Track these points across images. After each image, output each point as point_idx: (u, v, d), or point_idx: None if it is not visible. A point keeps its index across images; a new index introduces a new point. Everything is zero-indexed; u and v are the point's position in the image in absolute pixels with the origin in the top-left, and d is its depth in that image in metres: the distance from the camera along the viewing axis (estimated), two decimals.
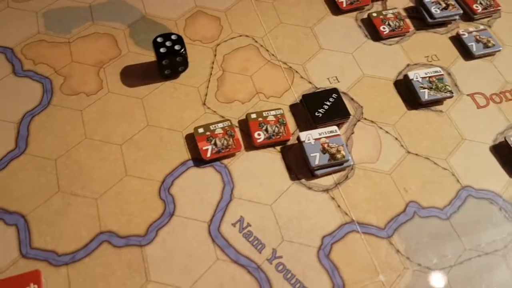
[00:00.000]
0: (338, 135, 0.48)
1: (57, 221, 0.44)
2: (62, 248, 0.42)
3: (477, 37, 0.59)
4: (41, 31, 0.57)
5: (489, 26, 0.62)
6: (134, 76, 0.53)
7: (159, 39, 0.51)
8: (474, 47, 0.58)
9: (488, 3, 0.63)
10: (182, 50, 0.51)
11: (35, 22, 0.57)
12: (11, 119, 0.49)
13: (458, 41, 0.59)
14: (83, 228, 0.43)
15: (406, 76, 0.53)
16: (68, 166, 0.47)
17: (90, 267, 0.41)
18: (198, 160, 0.48)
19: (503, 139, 0.51)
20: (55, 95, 0.51)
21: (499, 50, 0.59)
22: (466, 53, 0.58)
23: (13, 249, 0.42)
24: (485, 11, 0.62)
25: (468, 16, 0.62)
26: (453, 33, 0.60)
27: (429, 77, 0.53)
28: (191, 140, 0.49)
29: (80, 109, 0.50)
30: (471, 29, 0.60)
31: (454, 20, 0.61)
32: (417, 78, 0.53)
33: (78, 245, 0.42)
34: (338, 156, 0.47)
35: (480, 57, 0.58)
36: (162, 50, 0.51)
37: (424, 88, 0.52)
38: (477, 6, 0.62)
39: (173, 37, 0.52)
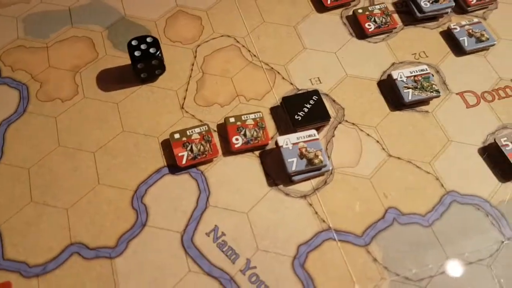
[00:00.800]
0: (317, 139, 0.47)
1: (29, 231, 0.43)
2: (33, 259, 0.42)
3: (470, 31, 0.56)
4: (21, 37, 0.56)
5: (484, 19, 0.59)
6: (110, 80, 0.52)
7: (133, 42, 0.50)
8: (466, 41, 0.55)
9: None
10: (158, 53, 0.50)
11: (15, 27, 0.57)
12: None
13: (449, 36, 0.57)
14: (54, 239, 0.43)
15: (389, 76, 0.51)
16: (41, 175, 0.46)
17: (60, 279, 0.41)
18: (174, 167, 0.47)
19: (493, 141, 0.48)
20: (31, 102, 0.51)
21: (493, 44, 0.56)
22: (457, 49, 0.56)
23: None
24: (480, 2, 0.59)
25: (462, 8, 0.60)
26: (445, 27, 0.58)
27: (414, 76, 0.51)
28: (167, 146, 0.48)
29: (55, 116, 0.49)
30: (463, 22, 0.57)
31: (446, 13, 0.59)
32: (401, 77, 0.50)
33: (48, 256, 0.42)
34: (316, 161, 0.45)
35: (472, 52, 0.55)
36: (136, 53, 0.50)
37: (408, 88, 0.50)
38: None
39: (148, 39, 0.51)
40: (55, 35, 0.56)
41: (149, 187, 0.46)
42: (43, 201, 0.45)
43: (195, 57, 0.55)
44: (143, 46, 0.50)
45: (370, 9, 0.57)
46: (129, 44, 0.50)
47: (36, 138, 0.48)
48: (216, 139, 0.49)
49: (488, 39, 0.56)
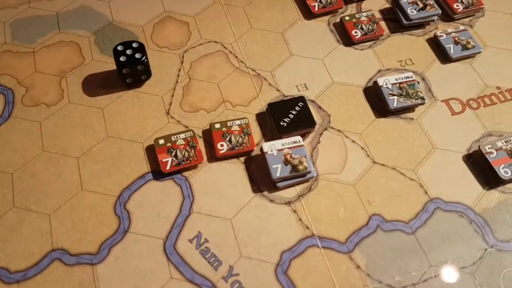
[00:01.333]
0: (302, 145, 0.47)
1: (10, 237, 0.43)
2: (14, 265, 0.42)
3: (456, 38, 0.57)
4: (8, 42, 0.56)
5: (471, 26, 0.59)
6: (96, 85, 0.52)
7: (119, 47, 0.50)
8: (452, 49, 0.56)
9: (470, 1, 0.60)
10: (143, 58, 0.50)
11: (2, 32, 0.57)
12: None
13: (435, 43, 0.57)
14: (36, 245, 0.42)
15: (375, 83, 0.51)
16: (24, 181, 0.46)
17: (41, 285, 0.41)
18: (158, 173, 0.47)
19: (478, 148, 0.48)
20: (16, 107, 0.50)
21: (479, 52, 0.56)
22: (443, 56, 0.56)
23: None
24: (467, 10, 0.59)
25: (448, 16, 0.60)
26: (431, 34, 0.58)
27: (400, 83, 0.51)
28: (152, 152, 0.48)
29: (39, 121, 0.49)
30: (450, 30, 0.57)
31: (433, 21, 0.59)
32: (386, 84, 0.50)
33: (30, 262, 0.42)
34: (300, 167, 0.45)
35: (458, 59, 0.56)
36: (122, 58, 0.49)
37: (394, 95, 0.50)
38: (457, 5, 0.59)
39: (134, 45, 0.50)
40: (42, 40, 0.56)
41: (132, 193, 0.45)
42: (25, 206, 0.44)
43: (182, 62, 0.55)
44: (128, 52, 0.50)
45: (357, 16, 0.57)
46: (115, 49, 0.50)
47: (20, 143, 0.48)
48: (201, 145, 0.48)
49: (474, 46, 0.56)
